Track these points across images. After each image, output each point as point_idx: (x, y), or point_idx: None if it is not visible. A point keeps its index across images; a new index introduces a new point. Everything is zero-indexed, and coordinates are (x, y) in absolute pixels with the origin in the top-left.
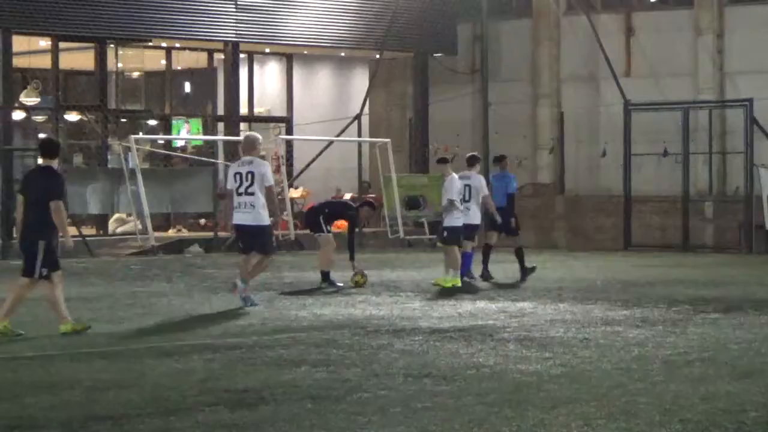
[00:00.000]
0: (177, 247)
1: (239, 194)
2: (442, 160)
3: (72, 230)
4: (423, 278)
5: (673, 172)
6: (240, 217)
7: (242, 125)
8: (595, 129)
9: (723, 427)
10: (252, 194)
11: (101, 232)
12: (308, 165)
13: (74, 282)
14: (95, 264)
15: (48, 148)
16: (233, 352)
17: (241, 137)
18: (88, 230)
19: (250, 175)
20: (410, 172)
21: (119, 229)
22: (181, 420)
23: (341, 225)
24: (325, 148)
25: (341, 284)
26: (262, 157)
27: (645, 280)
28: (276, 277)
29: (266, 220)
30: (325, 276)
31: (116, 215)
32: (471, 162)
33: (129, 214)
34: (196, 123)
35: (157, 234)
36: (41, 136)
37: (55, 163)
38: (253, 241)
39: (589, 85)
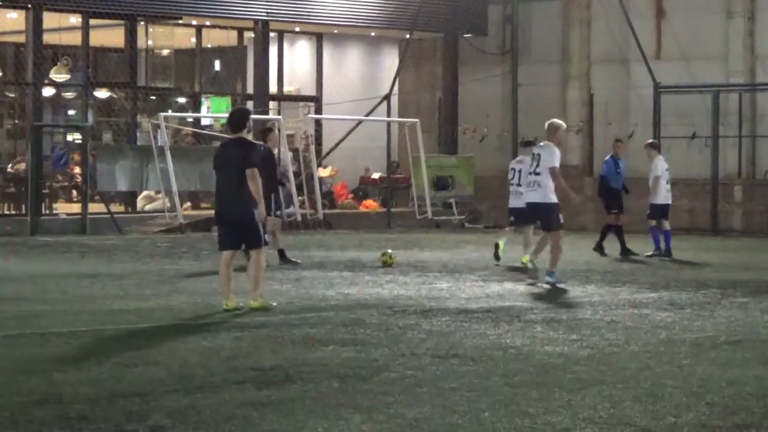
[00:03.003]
0: (205, 224)
1: (529, 174)
2: (529, 143)
3: (100, 207)
4: (450, 259)
5: (702, 155)
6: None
7: (271, 104)
8: (624, 111)
9: (750, 411)
10: (538, 174)
11: (130, 209)
12: (337, 144)
13: (102, 259)
14: (123, 241)
15: (232, 121)
16: (261, 330)
17: (270, 116)
18: (117, 207)
19: (538, 157)
20: (439, 153)
21: (147, 207)
22: (208, 397)
23: (370, 204)
24: (354, 127)
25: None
26: None
27: (673, 263)
28: (304, 256)
29: (553, 199)
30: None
31: (145, 192)
32: (655, 146)
33: (157, 192)
34: (221, 102)
35: (186, 212)
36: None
37: (245, 134)
38: (542, 218)
39: (620, 67)
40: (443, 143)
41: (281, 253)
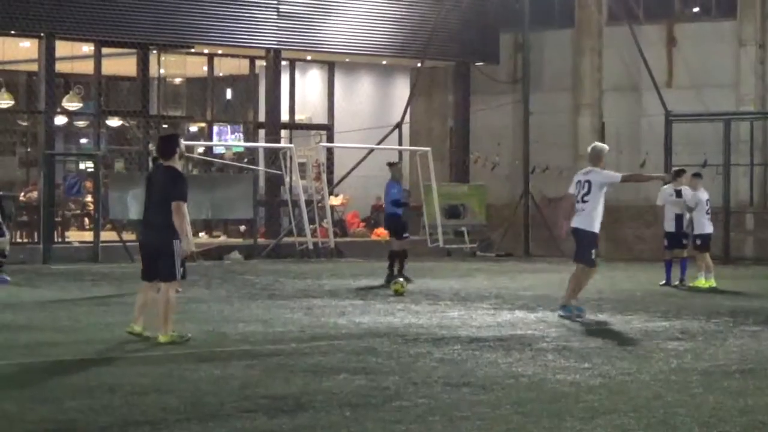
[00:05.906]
0: (217, 253)
1: (578, 201)
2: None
3: (112, 235)
4: (462, 287)
5: (714, 184)
6: (574, 221)
7: (283, 132)
8: (636, 139)
9: None
10: (586, 201)
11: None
12: (349, 173)
13: (114, 287)
14: (135, 269)
15: (160, 148)
16: (272, 358)
17: (282, 144)
18: (129, 235)
19: (587, 184)
20: (450, 181)
21: None
22: (219, 426)
23: (382, 233)
24: (366, 156)
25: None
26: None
27: (684, 291)
28: (316, 285)
29: (592, 227)
30: None
31: None
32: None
33: None
34: None
35: (197, 240)
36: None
37: (174, 162)
38: (577, 246)
39: (631, 96)
40: (455, 171)
41: None
